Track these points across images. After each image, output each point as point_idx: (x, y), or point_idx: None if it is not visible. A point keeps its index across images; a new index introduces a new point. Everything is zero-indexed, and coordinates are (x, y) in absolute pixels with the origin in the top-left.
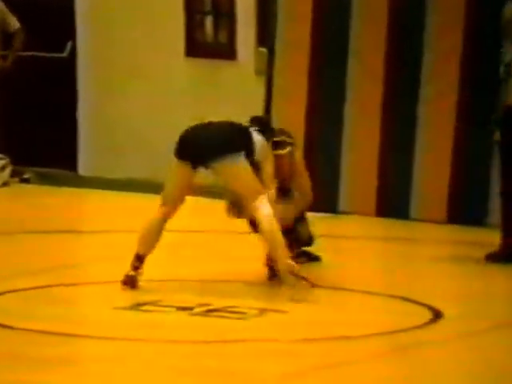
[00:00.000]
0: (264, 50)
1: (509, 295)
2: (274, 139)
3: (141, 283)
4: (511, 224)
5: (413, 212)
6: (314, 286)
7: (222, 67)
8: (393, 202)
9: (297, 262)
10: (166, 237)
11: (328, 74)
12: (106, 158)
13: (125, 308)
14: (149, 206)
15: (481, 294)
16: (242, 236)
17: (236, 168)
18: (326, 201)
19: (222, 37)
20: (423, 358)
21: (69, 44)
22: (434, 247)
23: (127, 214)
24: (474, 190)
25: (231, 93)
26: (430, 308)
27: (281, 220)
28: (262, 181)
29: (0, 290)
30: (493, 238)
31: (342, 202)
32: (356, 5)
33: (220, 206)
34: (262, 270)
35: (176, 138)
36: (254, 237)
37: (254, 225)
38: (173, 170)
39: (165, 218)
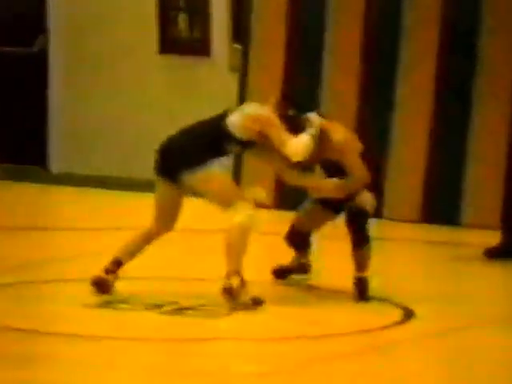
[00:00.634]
0: (238, 46)
1: (483, 295)
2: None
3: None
4: None
5: (386, 212)
6: (258, 304)
7: (196, 64)
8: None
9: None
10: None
11: (303, 71)
12: (78, 155)
13: (95, 306)
14: (118, 203)
15: (453, 294)
16: (215, 234)
17: (203, 181)
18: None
19: (196, 33)
20: (394, 357)
21: (40, 39)
22: (408, 246)
23: (97, 211)
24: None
25: (205, 89)
26: (402, 307)
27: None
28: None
29: None
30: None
31: None
32: (331, 1)
33: (192, 204)
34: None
35: (149, 135)
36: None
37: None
38: (156, 187)
39: (150, 234)
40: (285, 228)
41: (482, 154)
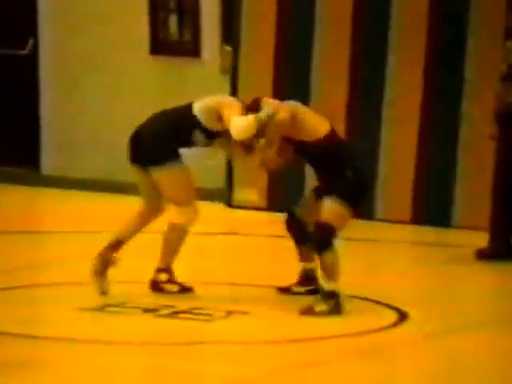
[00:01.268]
0: (229, 48)
1: (476, 296)
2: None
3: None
4: None
5: (378, 213)
6: (186, 291)
7: (187, 65)
8: None
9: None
10: (132, 238)
11: (293, 73)
12: (69, 157)
13: (90, 309)
14: (109, 206)
15: (447, 295)
16: (212, 237)
17: (164, 178)
18: None
19: (187, 35)
20: (388, 360)
21: (31, 41)
22: (399, 248)
23: (88, 214)
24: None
25: (196, 91)
26: (396, 309)
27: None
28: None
29: None
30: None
31: None
32: (320, 4)
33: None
34: (229, 272)
35: None
36: (223, 238)
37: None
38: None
39: (145, 214)
40: (278, 229)
41: (472, 156)
